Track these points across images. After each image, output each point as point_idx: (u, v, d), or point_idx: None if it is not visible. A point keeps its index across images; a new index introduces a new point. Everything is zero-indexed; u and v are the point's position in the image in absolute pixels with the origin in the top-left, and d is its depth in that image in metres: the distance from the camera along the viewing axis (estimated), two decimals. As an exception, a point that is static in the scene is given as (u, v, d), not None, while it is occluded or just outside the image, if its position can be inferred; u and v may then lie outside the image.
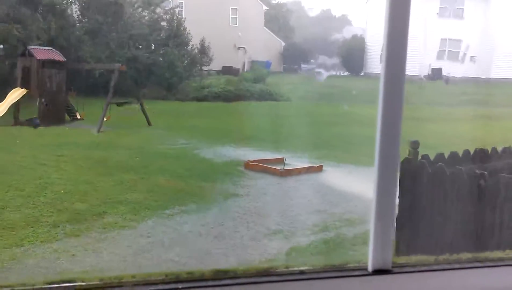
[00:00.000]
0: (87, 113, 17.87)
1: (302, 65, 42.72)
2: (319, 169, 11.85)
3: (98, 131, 15.84)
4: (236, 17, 39.96)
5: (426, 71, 35.71)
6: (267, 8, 44.62)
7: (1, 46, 20.87)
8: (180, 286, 1.44)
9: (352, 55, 36.36)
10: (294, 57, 41.85)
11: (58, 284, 1.41)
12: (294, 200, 9.90)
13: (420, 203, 5.77)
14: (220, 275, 1.53)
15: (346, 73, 37.71)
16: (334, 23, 54.42)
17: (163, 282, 1.46)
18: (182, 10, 34.18)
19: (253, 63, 36.96)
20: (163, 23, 29.71)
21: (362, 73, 36.58)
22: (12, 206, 8.40)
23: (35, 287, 1.42)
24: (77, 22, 27.17)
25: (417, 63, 35.80)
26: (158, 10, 29.92)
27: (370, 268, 1.59)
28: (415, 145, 5.97)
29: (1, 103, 17.27)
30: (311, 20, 56.47)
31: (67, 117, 18.23)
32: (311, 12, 60.07)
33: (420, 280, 1.65)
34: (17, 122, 17.00)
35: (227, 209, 9.06)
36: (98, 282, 1.44)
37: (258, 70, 31.87)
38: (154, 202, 9.06)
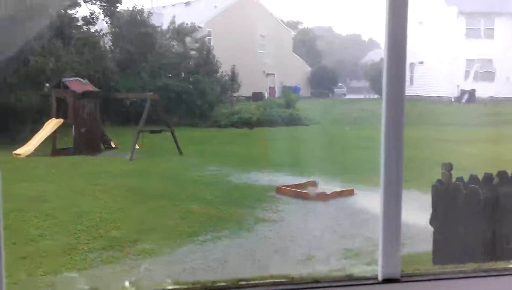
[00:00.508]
0: (123, 142, 18.23)
1: (333, 89, 42.76)
2: (351, 192, 11.79)
3: (130, 159, 16.11)
4: (264, 43, 40.40)
5: (455, 93, 35.35)
6: (295, 33, 45.03)
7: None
8: None
9: (381, 78, 36.19)
10: (322, 81, 41.96)
11: None
12: (326, 225, 9.86)
13: (455, 224, 5.71)
14: (240, 284, 1.63)
15: (375, 96, 37.61)
16: (362, 47, 54.46)
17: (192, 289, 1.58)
18: (210, 38, 34.75)
19: (282, 88, 37.20)
20: (193, 52, 30.26)
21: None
22: (49, 234, 8.59)
23: None
24: (109, 53, 27.88)
25: (446, 84, 35.50)
26: (187, 39, 30.51)
27: (380, 277, 1.68)
28: (447, 167, 5.94)
29: (38, 133, 17.76)
30: (339, 44, 56.63)
31: (102, 146, 18.62)
32: (339, 36, 60.27)
33: (428, 288, 1.73)
34: (54, 152, 17.44)
35: (259, 235, 9.08)
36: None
37: (288, 95, 32.04)
38: (187, 229, 9.14)
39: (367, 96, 38.27)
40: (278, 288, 1.63)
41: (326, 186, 12.33)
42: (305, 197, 11.31)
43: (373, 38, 58.63)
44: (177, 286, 1.60)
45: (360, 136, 21.46)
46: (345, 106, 33.37)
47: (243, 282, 1.63)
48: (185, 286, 1.60)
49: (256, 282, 1.66)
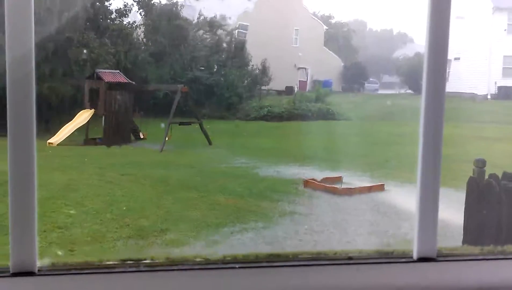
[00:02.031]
0: (151, 133, 18.37)
1: (365, 84, 42.33)
2: (381, 188, 11.61)
3: (161, 150, 16.24)
4: (297, 37, 40.21)
5: (492, 89, 34.59)
6: (327, 27, 44.66)
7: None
8: (237, 265, 1.55)
9: (414, 73, 35.64)
10: (354, 76, 41.57)
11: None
12: (354, 220, 9.74)
13: (487, 220, 5.56)
14: (273, 258, 1.63)
15: (408, 91, 37.07)
16: (396, 41, 53.73)
17: (223, 262, 1.58)
18: (243, 31, 34.74)
19: (314, 82, 36.98)
20: (225, 45, 30.30)
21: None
22: (78, 222, 8.70)
23: (108, 262, 1.52)
24: (142, 45, 28.13)
25: (483, 81, 34.75)
26: (219, 32, 30.55)
27: (415, 256, 1.65)
28: (479, 163, 5.78)
29: (69, 123, 18.05)
30: (372, 38, 55.97)
31: (132, 136, 18.82)
32: (372, 31, 59.58)
33: (463, 268, 1.68)
34: (86, 142, 17.71)
35: (286, 228, 9.03)
36: (164, 260, 1.56)
37: (319, 89, 31.83)
38: (214, 220, 9.15)
39: (400, 91, 37.74)
40: (311, 263, 1.61)
41: (356, 181, 12.20)
42: (333, 191, 11.20)
43: (406, 32, 57.76)
44: (211, 258, 1.61)
45: (392, 132, 21.17)
46: (376, 101, 33.00)
47: (273, 258, 1.63)
48: (219, 257, 1.60)
49: (290, 257, 1.65)
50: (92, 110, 18.39)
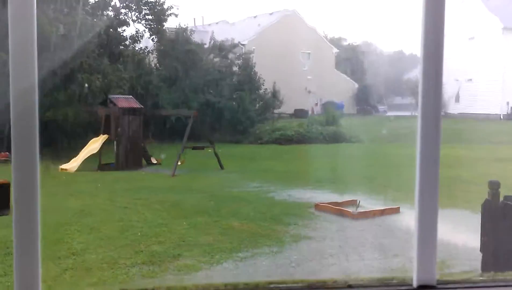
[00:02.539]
0: (163, 157, 18.45)
1: (376, 106, 42.31)
2: (396, 211, 11.50)
3: (173, 175, 16.28)
4: (307, 60, 40.40)
5: (505, 110, 34.41)
6: (338, 50, 44.87)
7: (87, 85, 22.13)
8: None
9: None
10: (366, 98, 41.62)
11: None
12: (368, 244, 9.64)
13: (504, 243, 5.49)
14: (272, 286, 1.62)
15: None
16: (407, 63, 53.79)
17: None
18: (253, 55, 35.03)
19: (326, 105, 37.07)
20: (235, 68, 30.54)
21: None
22: (93, 248, 8.70)
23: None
24: (154, 70, 28.45)
25: (495, 101, 34.56)
26: (230, 55, 30.82)
27: (415, 284, 1.63)
28: (494, 185, 5.72)
29: (83, 149, 18.19)
30: (383, 60, 56.09)
31: (144, 161, 18.91)
32: (383, 53, 59.70)
33: None
34: (99, 167, 17.83)
35: (299, 252, 8.96)
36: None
37: (331, 112, 31.91)
38: (228, 245, 9.10)
39: (413, 113, 37.63)
40: None
41: (369, 204, 12.12)
42: (345, 215, 11.12)
43: (417, 54, 57.78)
44: (212, 287, 1.61)
45: (404, 154, 21.05)
46: (389, 123, 32.91)
47: (274, 285, 1.62)
48: (220, 287, 1.60)
49: (289, 285, 1.64)
50: (105, 136, 18.55)
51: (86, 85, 21.52)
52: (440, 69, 1.65)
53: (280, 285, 1.62)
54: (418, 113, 1.69)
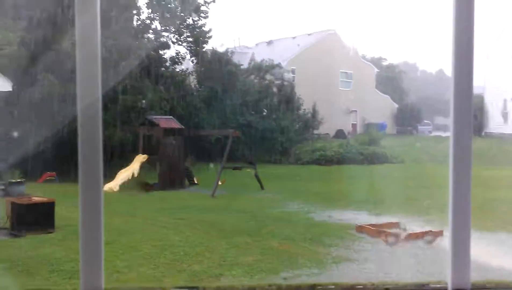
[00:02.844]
0: (204, 178, 18.60)
1: (418, 126, 41.70)
2: (439, 234, 11.22)
3: (213, 195, 16.38)
4: (348, 81, 40.27)
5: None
6: (378, 70, 44.59)
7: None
8: None
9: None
10: (408, 118, 41.09)
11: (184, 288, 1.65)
12: (410, 267, 9.45)
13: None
14: (314, 288, 1.69)
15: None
16: (449, 82, 52.96)
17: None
18: (294, 76, 35.14)
19: (367, 125, 36.76)
20: (275, 89, 30.68)
21: (482, 133, 34.92)
22: (134, 267, 8.82)
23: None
24: (194, 91, 28.84)
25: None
26: (269, 76, 31.00)
27: (450, 288, 1.64)
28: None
29: (125, 169, 18.52)
30: (424, 80, 55.44)
31: (186, 181, 19.10)
32: (424, 72, 59.02)
33: None
34: (142, 187, 18.11)
35: (340, 274, 8.85)
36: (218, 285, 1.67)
37: (372, 132, 31.60)
38: (268, 265, 9.07)
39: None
40: None
41: (411, 227, 11.89)
42: (387, 237, 10.94)
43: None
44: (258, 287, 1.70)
45: (446, 175, 20.61)
46: (430, 143, 32.33)
47: (320, 287, 1.68)
48: (265, 287, 1.70)
49: (331, 287, 1.69)
50: (147, 156, 18.85)
51: (128, 106, 21.96)
52: (470, 91, 1.69)
53: (323, 287, 1.66)
54: (450, 134, 1.72)
